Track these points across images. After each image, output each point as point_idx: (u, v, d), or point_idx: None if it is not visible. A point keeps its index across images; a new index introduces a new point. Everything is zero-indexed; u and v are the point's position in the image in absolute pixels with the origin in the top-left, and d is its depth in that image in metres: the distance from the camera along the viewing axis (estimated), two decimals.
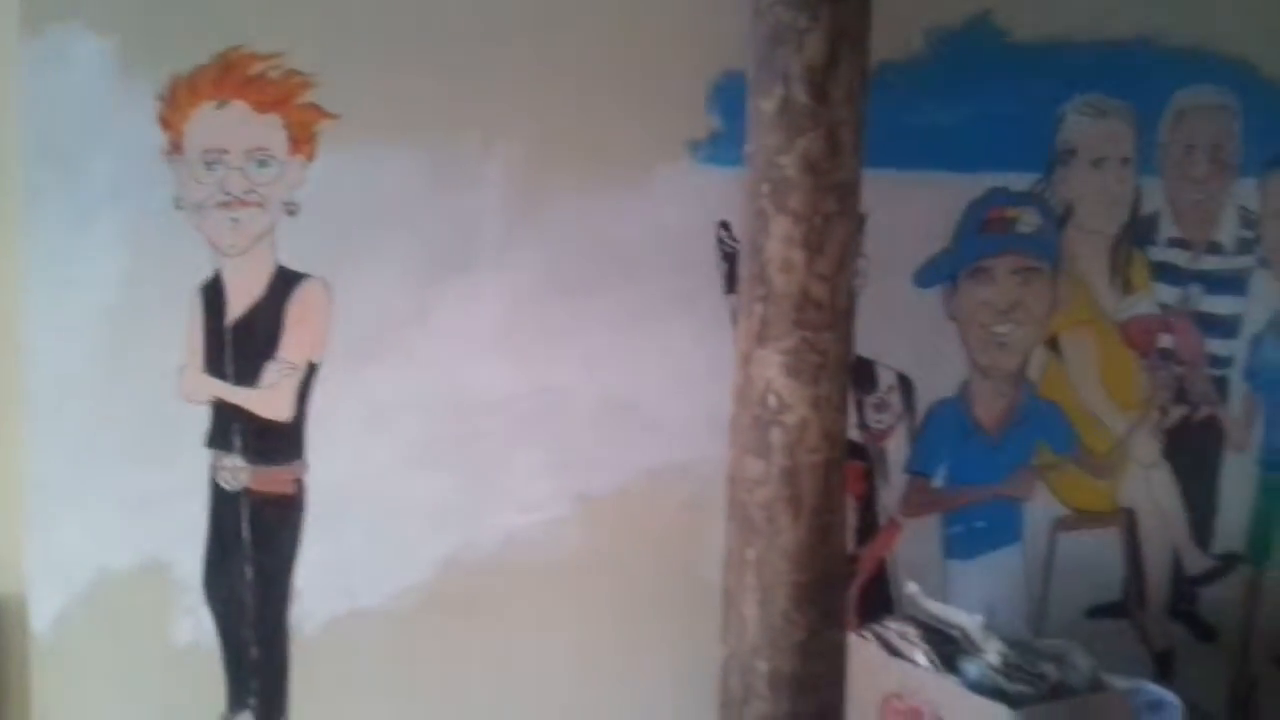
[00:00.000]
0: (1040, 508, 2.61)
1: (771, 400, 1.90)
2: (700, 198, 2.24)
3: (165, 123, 1.97)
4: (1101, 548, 2.67)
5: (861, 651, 1.60)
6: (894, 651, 1.54)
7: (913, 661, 1.49)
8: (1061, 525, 2.62)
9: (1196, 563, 2.78)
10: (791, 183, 1.85)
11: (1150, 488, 2.70)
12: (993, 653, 1.44)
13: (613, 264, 2.23)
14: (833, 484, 1.95)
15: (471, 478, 2.21)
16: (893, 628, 1.58)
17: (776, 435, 1.91)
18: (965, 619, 1.52)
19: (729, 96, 2.13)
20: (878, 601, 2.44)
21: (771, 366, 1.90)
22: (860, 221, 2.33)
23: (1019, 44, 2.45)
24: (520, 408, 2.21)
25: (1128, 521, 2.68)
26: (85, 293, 1.97)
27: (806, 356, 1.89)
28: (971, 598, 2.50)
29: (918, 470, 2.51)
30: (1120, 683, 1.47)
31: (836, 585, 1.99)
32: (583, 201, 2.20)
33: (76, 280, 1.97)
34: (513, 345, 2.19)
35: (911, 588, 1.66)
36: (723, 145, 2.20)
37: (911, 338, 2.47)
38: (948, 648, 1.51)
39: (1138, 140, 2.57)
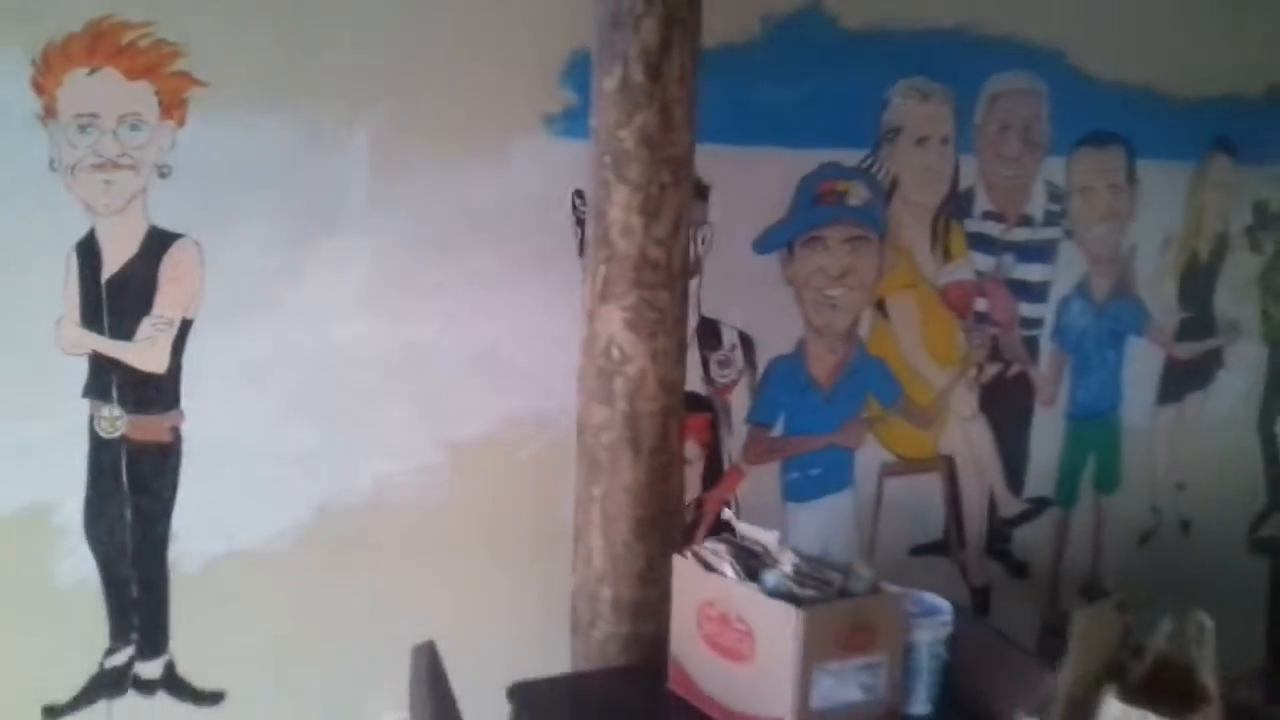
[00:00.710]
0: (869, 455, 2.87)
1: (614, 352, 2.11)
2: (555, 167, 2.41)
3: (39, 87, 2.05)
4: (924, 492, 2.96)
5: (682, 568, 1.82)
6: (709, 567, 1.76)
7: (722, 574, 1.71)
8: (888, 471, 2.89)
9: (1010, 506, 3.09)
10: (630, 155, 2.05)
11: (968, 437, 2.99)
12: (788, 564, 1.67)
13: (474, 229, 2.39)
14: (670, 428, 2.16)
15: (344, 427, 2.36)
16: (708, 547, 1.80)
17: (619, 384, 2.11)
18: (765, 536, 1.75)
19: (581, 73, 2.27)
20: None
21: (614, 322, 2.10)
22: (704, 192, 2.58)
23: (848, 30, 2.68)
24: (389, 362, 2.36)
25: (948, 468, 2.97)
26: None
27: (645, 313, 2.09)
28: (809, 537, 2.78)
29: (758, 421, 2.74)
30: (895, 589, 1.72)
31: (673, 519, 2.21)
32: (445, 169, 2.34)
33: None
34: (380, 303, 2.34)
35: (726, 512, 1.89)
36: (576, 119, 2.35)
37: (752, 300, 2.69)
38: (752, 562, 1.73)
39: (956, 121, 2.83)
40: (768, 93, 2.62)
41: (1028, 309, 3.01)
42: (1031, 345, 3.04)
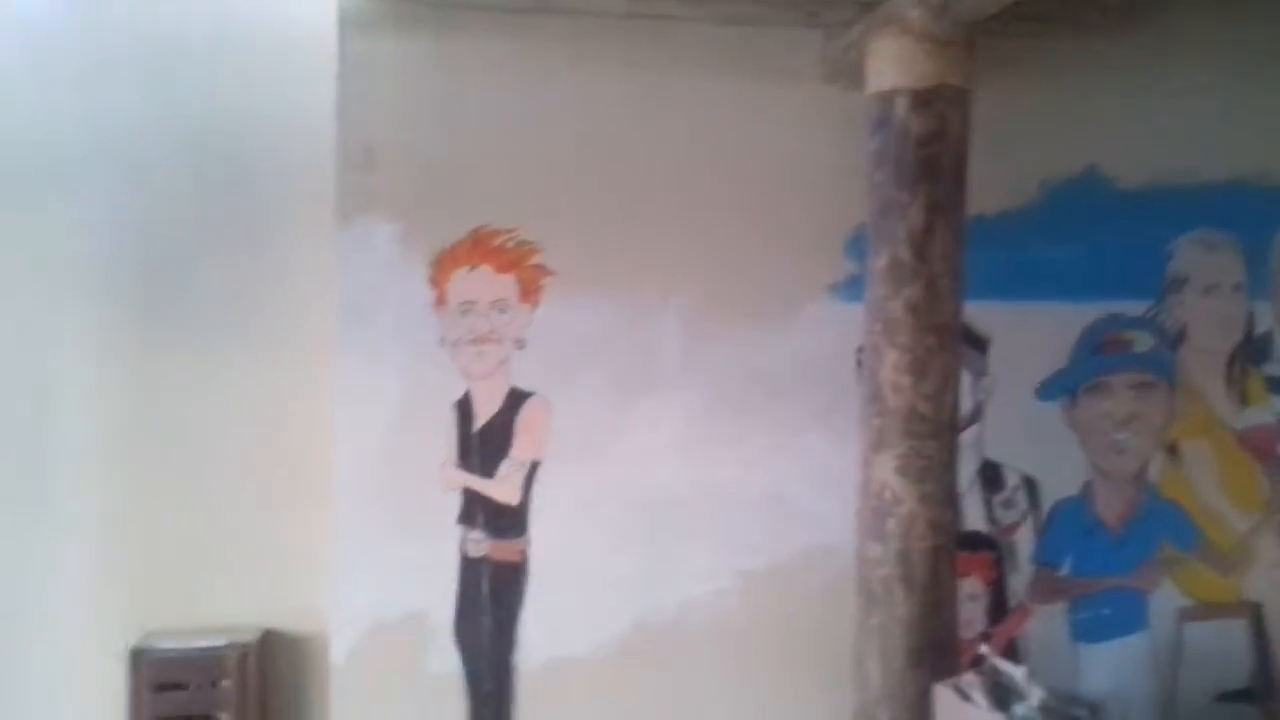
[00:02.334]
0: (1165, 598, 2.88)
1: (887, 495, 2.36)
2: (838, 329, 2.73)
3: (433, 283, 2.65)
4: (1228, 637, 2.90)
5: (943, 697, 2.02)
6: (965, 697, 1.95)
7: (976, 705, 1.91)
8: (1187, 615, 2.88)
9: None
10: (899, 323, 2.33)
11: (1277, 584, 2.92)
12: (1035, 698, 1.84)
13: (767, 386, 2.75)
14: (940, 566, 2.37)
15: (656, 555, 2.75)
16: (965, 678, 1.99)
17: (891, 524, 2.35)
18: (1015, 671, 1.92)
19: (861, 245, 2.55)
20: None
21: (886, 469, 2.36)
22: (984, 345, 2.79)
23: (1127, 189, 2.83)
24: (694, 501, 2.74)
25: (1254, 614, 2.90)
26: (375, 409, 2.65)
27: (914, 460, 2.34)
28: (1102, 679, 2.83)
29: (1044, 561, 2.85)
30: None
31: (945, 649, 2.39)
32: (743, 336, 2.73)
33: (370, 400, 2.65)
34: (688, 451, 2.74)
35: (983, 648, 2.07)
36: (858, 286, 2.63)
37: (1036, 444, 2.84)
38: (1004, 694, 1.91)
39: (1247, 268, 2.87)
40: (1046, 250, 2.82)
41: None
42: None
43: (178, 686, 2.63)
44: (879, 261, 2.37)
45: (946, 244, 2.34)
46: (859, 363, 2.73)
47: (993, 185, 2.67)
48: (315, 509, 2.71)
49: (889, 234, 2.35)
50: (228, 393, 2.76)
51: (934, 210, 2.32)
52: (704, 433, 2.74)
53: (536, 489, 2.74)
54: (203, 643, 2.67)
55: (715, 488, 2.75)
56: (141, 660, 2.63)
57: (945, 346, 2.36)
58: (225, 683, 2.65)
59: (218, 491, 2.76)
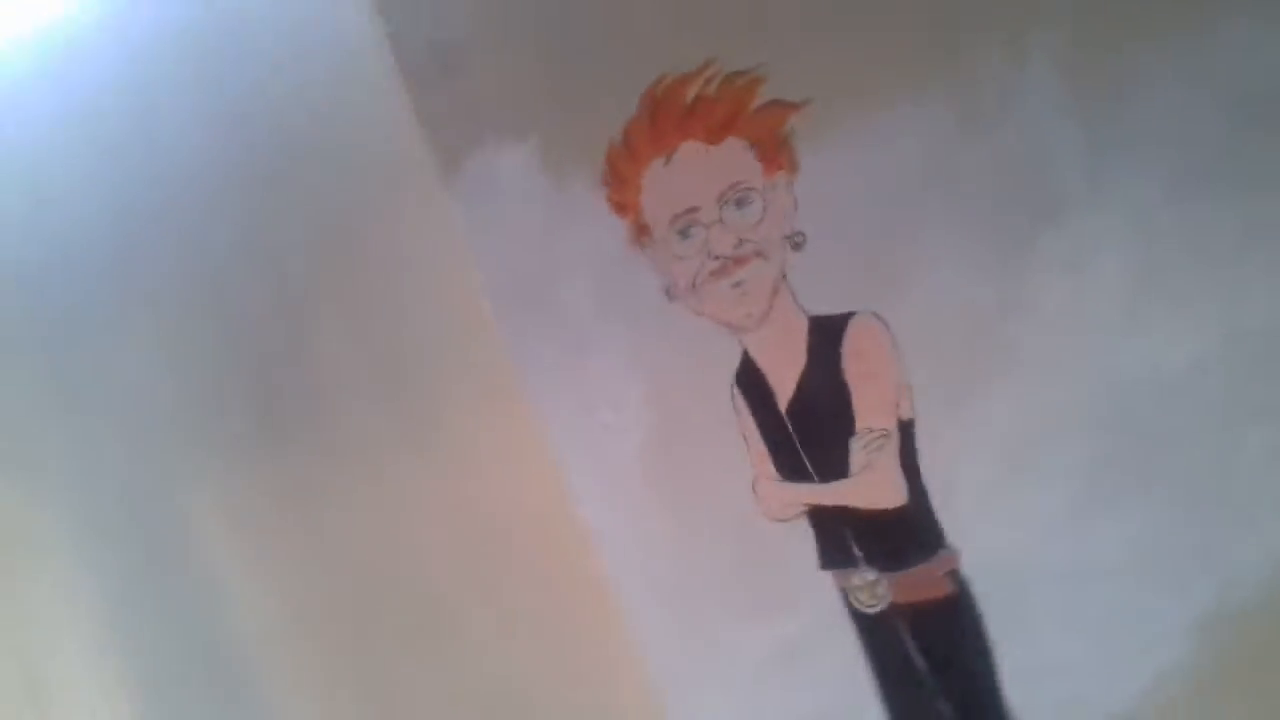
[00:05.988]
0: None
1: None
2: None
3: (618, 205, 1.59)
4: None
5: None
6: None
7: None
8: None
9: None
10: None
11: None
12: None
13: None
14: None
15: (1187, 490, 1.53)
16: None
17: None
18: None
19: None
20: None
21: None
22: None
23: None
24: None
25: None
26: (627, 437, 1.62)
27: None
28: None
29: None
30: None
31: None
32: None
33: (623, 425, 1.62)
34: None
35: None
36: None
37: None
38: None
39: None
40: None
41: None
42: None
43: None
44: None
45: None
46: None
47: None
48: (603, 632, 1.67)
49: None
50: (387, 502, 1.73)
51: None
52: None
53: (927, 462, 1.58)
54: None
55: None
56: None
57: None
58: None
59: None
